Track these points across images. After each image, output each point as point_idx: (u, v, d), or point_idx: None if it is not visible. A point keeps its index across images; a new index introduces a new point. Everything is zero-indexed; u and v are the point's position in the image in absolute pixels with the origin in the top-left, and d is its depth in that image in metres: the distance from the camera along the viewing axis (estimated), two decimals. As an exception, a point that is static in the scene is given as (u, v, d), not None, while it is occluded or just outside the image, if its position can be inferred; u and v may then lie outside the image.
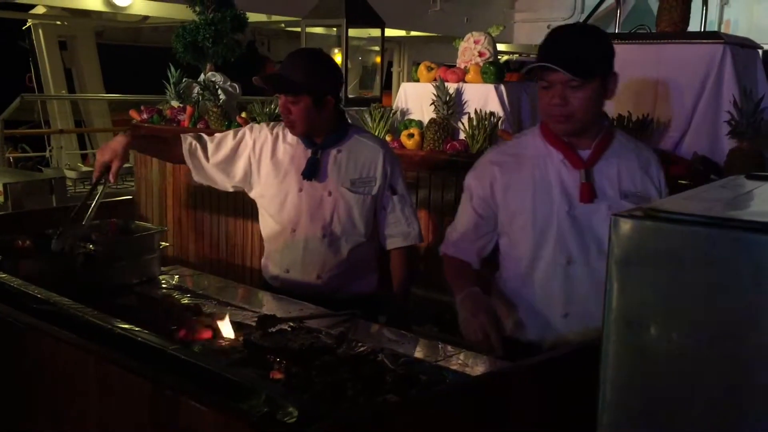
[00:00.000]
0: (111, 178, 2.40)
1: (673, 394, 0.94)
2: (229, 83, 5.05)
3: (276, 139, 2.55)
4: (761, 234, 0.86)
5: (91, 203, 2.40)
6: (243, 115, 4.51)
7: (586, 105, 1.93)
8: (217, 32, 4.91)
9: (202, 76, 5.05)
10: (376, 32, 5.16)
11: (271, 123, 2.65)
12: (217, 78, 4.98)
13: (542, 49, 1.98)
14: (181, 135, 2.59)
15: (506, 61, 10.71)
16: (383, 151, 2.52)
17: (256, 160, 2.55)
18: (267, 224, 2.62)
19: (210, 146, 2.57)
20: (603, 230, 1.23)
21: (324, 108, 2.41)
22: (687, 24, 3.40)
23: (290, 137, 2.52)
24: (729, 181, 1.35)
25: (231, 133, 2.60)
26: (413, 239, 2.59)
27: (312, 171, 2.45)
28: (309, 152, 2.47)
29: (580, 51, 1.95)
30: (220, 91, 4.79)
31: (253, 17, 7.63)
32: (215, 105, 4.62)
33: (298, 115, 2.38)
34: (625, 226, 0.98)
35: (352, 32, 4.96)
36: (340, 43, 4.63)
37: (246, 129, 2.60)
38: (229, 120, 4.53)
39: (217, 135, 2.60)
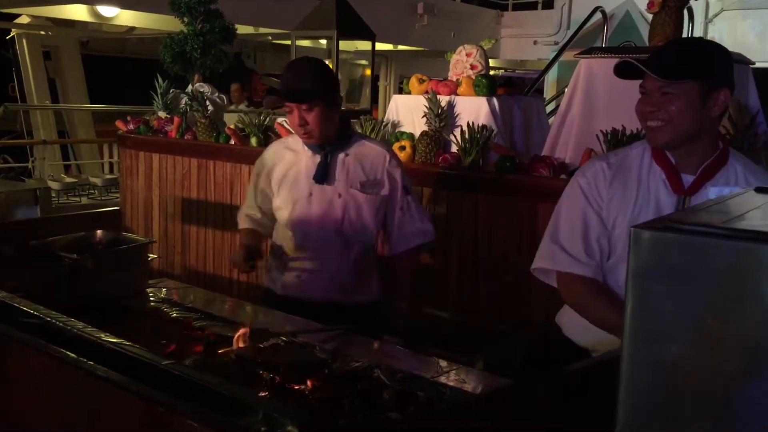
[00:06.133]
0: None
1: (696, 413, 0.90)
2: (217, 94, 5.01)
3: (280, 152, 2.62)
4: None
5: None
6: (231, 126, 4.46)
7: (679, 112, 1.80)
8: (205, 43, 4.88)
9: (189, 87, 5.01)
10: (363, 45, 5.15)
11: (274, 142, 2.75)
12: (205, 89, 4.95)
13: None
14: (238, 217, 2.74)
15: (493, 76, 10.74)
16: (389, 154, 2.58)
17: (269, 179, 2.62)
18: (279, 233, 2.65)
19: (259, 200, 2.67)
20: None
21: (335, 111, 2.47)
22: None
23: (295, 146, 2.58)
24: (739, 195, 1.32)
25: (253, 176, 2.70)
26: (431, 235, 2.61)
27: (323, 175, 2.49)
28: (317, 158, 2.51)
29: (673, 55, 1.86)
30: (208, 102, 4.75)
31: (240, 29, 7.61)
32: (203, 116, 4.58)
33: (314, 122, 2.41)
34: (645, 238, 0.94)
35: (340, 45, 4.94)
36: (329, 56, 4.60)
37: (257, 162, 2.70)
38: (217, 131, 4.48)
39: (251, 185, 2.72)
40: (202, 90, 4.90)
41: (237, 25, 5.43)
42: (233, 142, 4.35)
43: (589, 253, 1.99)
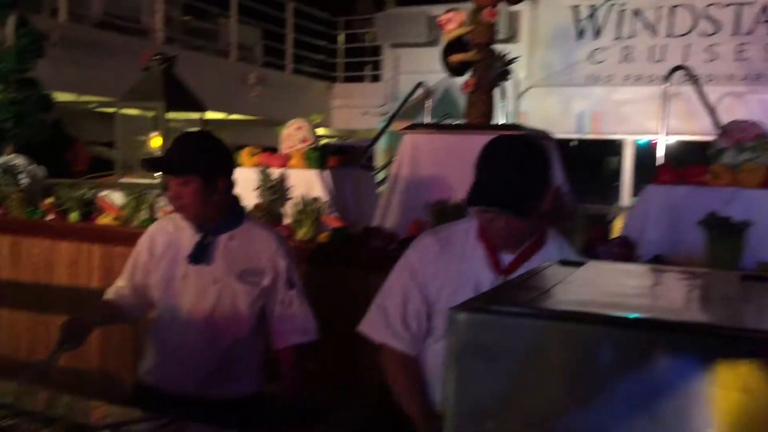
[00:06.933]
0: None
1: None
2: (33, 166, 4.71)
3: (165, 226, 2.47)
4: (581, 323, 0.91)
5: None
6: (50, 200, 4.19)
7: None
8: (19, 113, 4.60)
9: (1, 159, 4.67)
10: (193, 114, 5.08)
11: (163, 217, 2.65)
12: (20, 161, 4.64)
13: None
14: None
15: (324, 145, 11.03)
16: (277, 242, 2.42)
17: (151, 253, 2.44)
18: (152, 315, 2.46)
19: (138, 275, 2.47)
20: None
21: (215, 191, 2.31)
22: (491, 115, 3.70)
23: (181, 222, 2.41)
24: (547, 268, 1.43)
25: (135, 249, 2.51)
26: (313, 335, 2.47)
27: (199, 256, 2.33)
28: (198, 237, 2.35)
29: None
30: (24, 175, 4.45)
31: (61, 96, 7.25)
32: (17, 189, 4.26)
33: (188, 198, 2.27)
34: (459, 319, 1.00)
35: (170, 114, 4.85)
36: (156, 126, 4.50)
37: (142, 235, 2.52)
38: (33, 206, 4.18)
39: (130, 258, 2.52)
40: (15, 162, 4.59)
41: (57, 92, 5.18)
42: (51, 218, 4.07)
43: (406, 327, 2.07)
